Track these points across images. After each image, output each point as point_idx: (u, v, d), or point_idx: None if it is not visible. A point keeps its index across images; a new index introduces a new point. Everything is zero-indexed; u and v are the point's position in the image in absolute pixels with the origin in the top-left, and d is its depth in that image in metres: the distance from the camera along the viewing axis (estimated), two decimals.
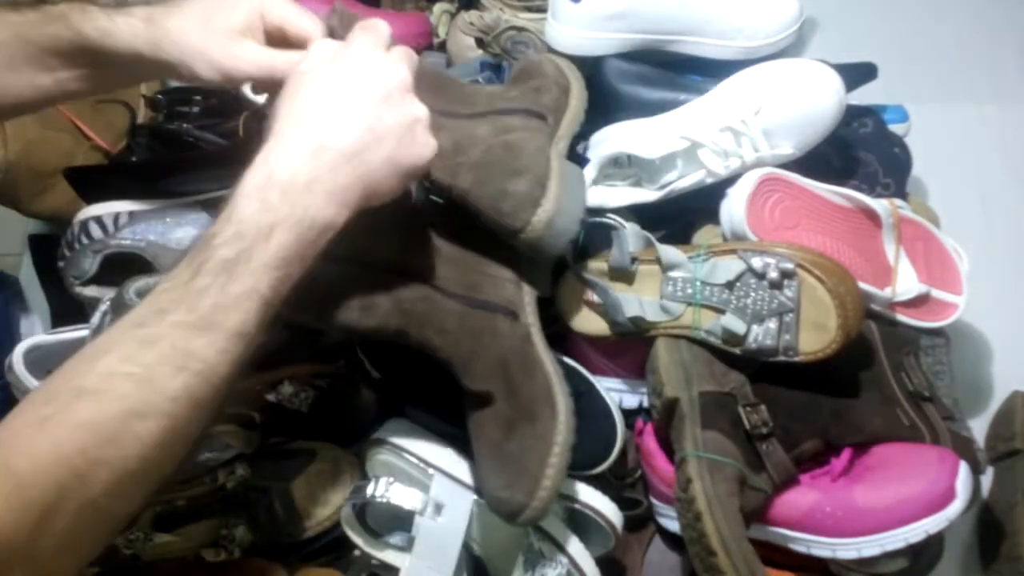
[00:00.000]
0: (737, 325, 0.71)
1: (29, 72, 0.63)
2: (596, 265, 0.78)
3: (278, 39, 0.63)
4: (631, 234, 0.78)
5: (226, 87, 0.66)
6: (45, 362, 0.84)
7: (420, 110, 0.58)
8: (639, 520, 0.79)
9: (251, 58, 0.61)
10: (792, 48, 0.96)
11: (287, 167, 0.52)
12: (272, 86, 0.61)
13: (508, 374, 0.65)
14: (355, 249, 0.62)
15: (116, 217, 0.80)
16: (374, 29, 0.59)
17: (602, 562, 0.71)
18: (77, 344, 0.81)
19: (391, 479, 0.70)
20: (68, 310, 0.86)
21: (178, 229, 0.78)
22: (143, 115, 0.96)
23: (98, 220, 0.80)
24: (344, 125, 0.54)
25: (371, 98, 0.55)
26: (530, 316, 0.69)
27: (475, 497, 0.71)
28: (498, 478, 0.64)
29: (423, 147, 0.58)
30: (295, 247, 0.51)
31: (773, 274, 0.70)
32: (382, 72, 0.57)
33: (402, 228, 0.67)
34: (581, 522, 0.72)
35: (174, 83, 1.03)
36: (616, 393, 0.80)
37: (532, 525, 0.69)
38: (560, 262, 0.79)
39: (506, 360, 0.66)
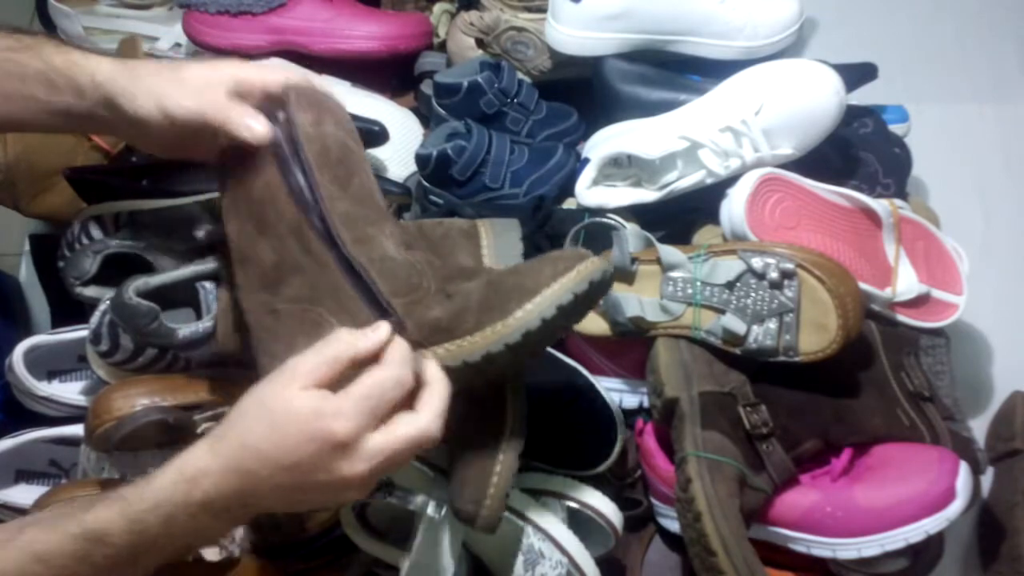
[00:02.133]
0: (737, 325, 0.71)
1: None
2: None
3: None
4: (631, 234, 0.78)
5: (159, 131, 0.60)
6: (45, 362, 0.84)
7: (351, 474, 0.50)
8: (639, 520, 0.79)
9: (197, 95, 0.58)
10: (792, 48, 0.96)
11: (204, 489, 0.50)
12: (215, 149, 0.59)
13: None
14: None
15: (116, 217, 0.80)
16: (387, 382, 0.52)
17: (602, 562, 0.71)
18: (77, 344, 0.81)
19: (391, 479, 0.70)
20: (68, 310, 0.86)
21: (178, 230, 0.78)
22: None
23: (98, 220, 0.80)
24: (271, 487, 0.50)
25: (311, 466, 0.50)
26: None
27: None
28: (453, 487, 0.64)
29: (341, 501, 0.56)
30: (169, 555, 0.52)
31: (773, 274, 0.70)
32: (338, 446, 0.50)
33: None
34: (581, 522, 0.72)
35: None
36: (616, 393, 0.80)
37: (532, 525, 0.69)
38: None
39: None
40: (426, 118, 0.96)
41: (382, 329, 0.53)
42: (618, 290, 0.76)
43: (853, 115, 0.88)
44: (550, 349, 0.82)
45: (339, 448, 0.49)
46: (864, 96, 0.90)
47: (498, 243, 0.77)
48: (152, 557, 0.51)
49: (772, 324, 0.71)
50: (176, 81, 0.59)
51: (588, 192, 0.84)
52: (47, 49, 0.61)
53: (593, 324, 0.77)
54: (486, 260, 0.75)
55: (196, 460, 0.51)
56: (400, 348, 0.53)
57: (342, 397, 0.50)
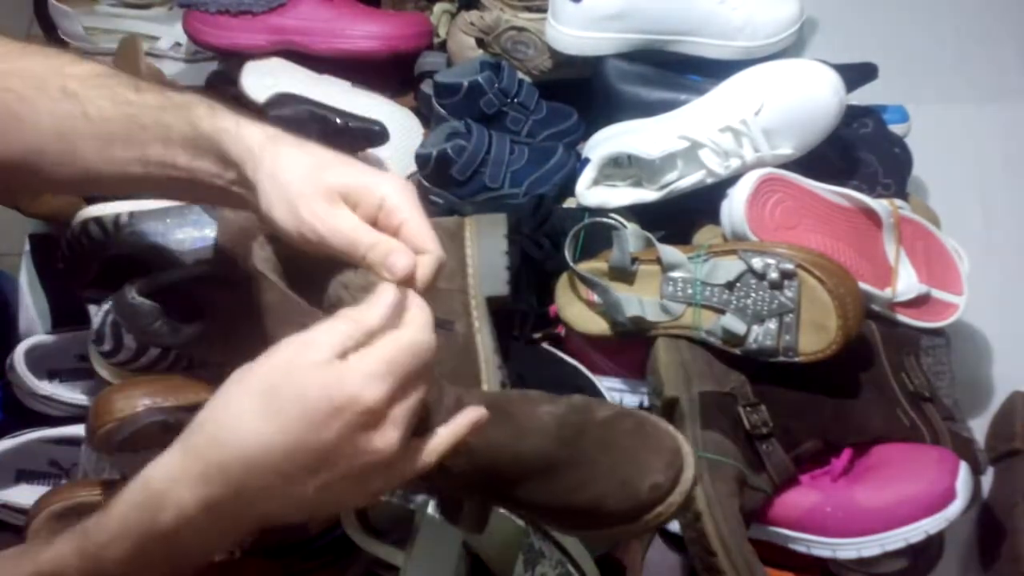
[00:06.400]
0: (737, 325, 0.71)
1: (129, 155, 0.55)
2: (596, 265, 0.78)
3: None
4: (631, 234, 0.78)
5: (292, 241, 0.51)
6: (45, 362, 0.84)
7: (384, 445, 0.43)
8: None
9: (330, 221, 0.49)
10: (792, 48, 0.96)
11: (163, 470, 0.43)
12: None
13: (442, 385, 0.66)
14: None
15: (116, 218, 0.80)
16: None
17: (602, 562, 0.71)
18: (77, 344, 0.81)
19: None
20: (68, 310, 0.86)
21: (179, 230, 0.78)
22: None
23: (98, 221, 0.80)
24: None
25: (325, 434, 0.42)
26: (474, 320, 0.71)
27: None
28: None
29: (364, 496, 0.46)
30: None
31: (773, 274, 0.70)
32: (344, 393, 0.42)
33: None
34: None
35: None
36: (616, 393, 0.80)
37: (532, 525, 0.69)
38: (560, 262, 0.79)
39: (440, 372, 0.66)
40: (426, 118, 0.96)
41: (387, 294, 0.46)
42: (618, 290, 0.76)
43: (853, 115, 0.88)
44: (550, 348, 0.82)
45: (366, 417, 0.42)
46: (864, 96, 0.90)
47: (481, 243, 0.77)
48: None
49: (772, 324, 0.71)
50: (311, 191, 0.49)
51: (588, 192, 0.84)
52: (198, 111, 0.54)
53: (593, 324, 0.77)
54: (469, 261, 0.76)
55: (165, 470, 0.43)
56: (422, 312, 0.46)
57: (364, 359, 0.43)
